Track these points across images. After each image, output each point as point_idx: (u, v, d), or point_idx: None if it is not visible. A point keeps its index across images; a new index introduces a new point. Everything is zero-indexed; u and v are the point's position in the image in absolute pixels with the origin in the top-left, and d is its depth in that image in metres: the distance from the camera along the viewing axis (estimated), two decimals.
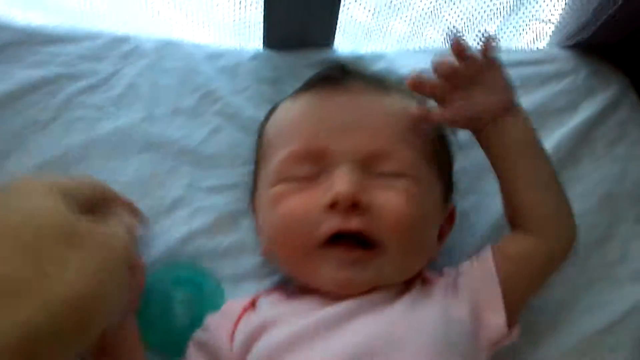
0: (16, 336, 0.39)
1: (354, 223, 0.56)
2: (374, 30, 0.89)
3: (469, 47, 0.61)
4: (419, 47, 0.93)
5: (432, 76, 0.63)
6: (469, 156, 0.79)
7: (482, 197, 0.77)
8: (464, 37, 0.61)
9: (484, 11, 0.86)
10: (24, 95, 0.75)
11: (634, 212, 0.78)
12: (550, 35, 0.91)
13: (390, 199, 0.58)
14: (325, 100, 0.65)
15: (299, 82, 0.74)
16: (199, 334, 0.62)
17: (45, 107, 0.74)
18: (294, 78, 0.80)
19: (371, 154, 0.60)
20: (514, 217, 0.65)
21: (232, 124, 0.79)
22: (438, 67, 0.62)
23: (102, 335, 0.48)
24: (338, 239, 0.57)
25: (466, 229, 0.74)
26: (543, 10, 0.87)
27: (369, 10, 0.86)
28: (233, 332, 0.60)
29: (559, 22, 0.88)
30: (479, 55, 0.62)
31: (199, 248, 0.70)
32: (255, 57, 0.85)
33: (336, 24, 0.84)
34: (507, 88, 0.64)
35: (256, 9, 0.82)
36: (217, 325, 0.62)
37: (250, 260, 0.70)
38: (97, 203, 0.55)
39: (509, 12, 0.87)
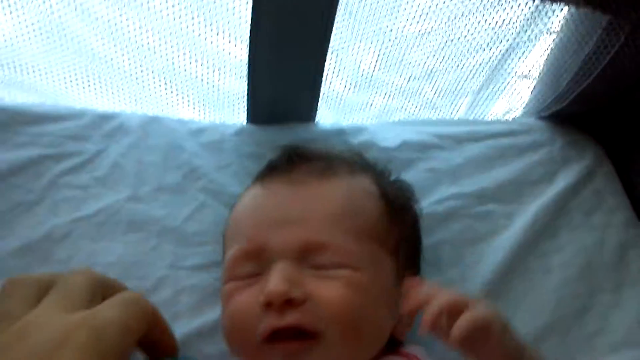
0: None
1: (288, 319, 0.57)
2: (355, 103, 0.91)
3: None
4: (399, 119, 0.95)
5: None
6: (450, 228, 0.81)
7: (465, 269, 0.78)
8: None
9: (459, 85, 0.89)
10: (8, 178, 0.75)
11: (612, 282, 0.78)
12: (525, 107, 0.93)
13: (327, 290, 0.59)
14: (267, 194, 0.67)
15: None
16: None
17: (31, 189, 0.75)
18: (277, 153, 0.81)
19: (307, 248, 0.61)
20: None
21: (217, 201, 0.80)
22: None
23: None
24: (279, 334, 0.58)
25: None
26: (517, 83, 0.90)
27: (350, 85, 0.88)
28: None
29: (534, 95, 0.90)
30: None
31: (184, 328, 0.70)
32: (239, 132, 0.87)
33: (318, 98, 0.86)
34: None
35: (240, 84, 0.85)
36: None
37: None
38: None
39: (482, 85, 0.90)
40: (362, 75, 0.86)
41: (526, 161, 0.88)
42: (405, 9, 0.75)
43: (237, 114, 0.90)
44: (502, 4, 0.76)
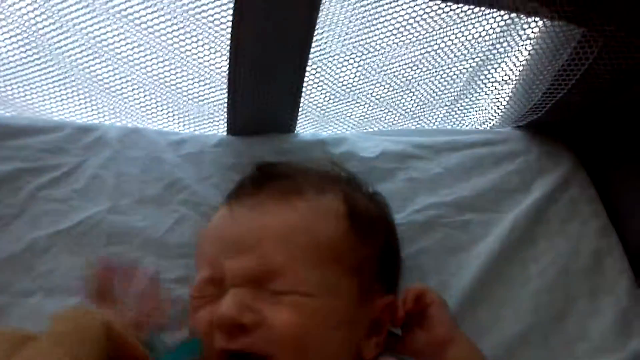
0: None
1: (238, 343, 0.59)
2: (335, 114, 0.92)
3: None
4: (379, 128, 0.96)
5: None
6: (430, 237, 0.82)
7: (446, 277, 0.79)
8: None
9: (437, 95, 0.91)
10: None
11: (589, 289, 0.80)
12: (501, 116, 0.95)
13: (278, 315, 0.60)
14: (229, 218, 0.68)
15: None
16: None
17: (10, 203, 0.75)
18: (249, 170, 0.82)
19: (260, 275, 0.62)
20: None
21: (198, 213, 0.80)
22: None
23: None
24: (235, 354, 0.60)
25: None
26: (493, 93, 0.92)
27: (330, 95, 0.89)
28: None
29: (510, 105, 0.92)
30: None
31: (168, 340, 0.69)
32: (219, 143, 0.87)
33: (298, 109, 0.87)
34: (448, 322, 0.68)
35: (220, 95, 0.85)
36: None
37: None
38: None
39: (459, 95, 0.92)
40: (342, 86, 0.87)
41: (503, 170, 0.89)
42: (383, 23, 0.76)
43: (217, 125, 0.91)
44: (477, 18, 0.78)
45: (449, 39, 0.81)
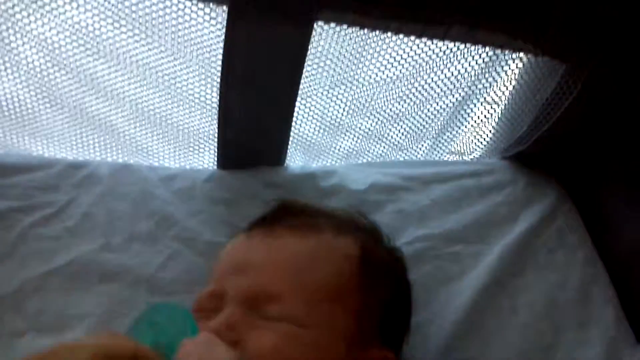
0: None
1: None
2: (323, 146, 0.93)
3: None
4: (367, 160, 0.97)
5: None
6: (420, 269, 0.82)
7: (437, 308, 0.79)
8: None
9: (424, 127, 0.92)
10: None
11: (577, 319, 0.81)
12: (487, 147, 0.97)
13: (261, 339, 0.59)
14: (243, 242, 0.69)
15: (253, 202, 0.77)
16: None
17: (0, 242, 0.75)
18: (248, 198, 0.83)
19: (256, 296, 0.62)
20: None
21: (189, 249, 0.80)
22: None
23: None
24: None
25: (420, 343, 0.76)
26: (479, 126, 0.93)
27: (319, 128, 0.90)
28: None
29: (496, 137, 0.93)
30: None
31: None
32: (210, 178, 0.88)
33: (288, 143, 0.88)
34: None
35: (210, 127, 0.86)
36: None
37: None
38: None
39: (445, 127, 0.93)
40: (331, 119, 0.88)
41: (490, 202, 0.90)
42: (371, 60, 0.78)
43: (207, 157, 0.92)
44: (463, 53, 0.79)
45: (435, 75, 0.83)
